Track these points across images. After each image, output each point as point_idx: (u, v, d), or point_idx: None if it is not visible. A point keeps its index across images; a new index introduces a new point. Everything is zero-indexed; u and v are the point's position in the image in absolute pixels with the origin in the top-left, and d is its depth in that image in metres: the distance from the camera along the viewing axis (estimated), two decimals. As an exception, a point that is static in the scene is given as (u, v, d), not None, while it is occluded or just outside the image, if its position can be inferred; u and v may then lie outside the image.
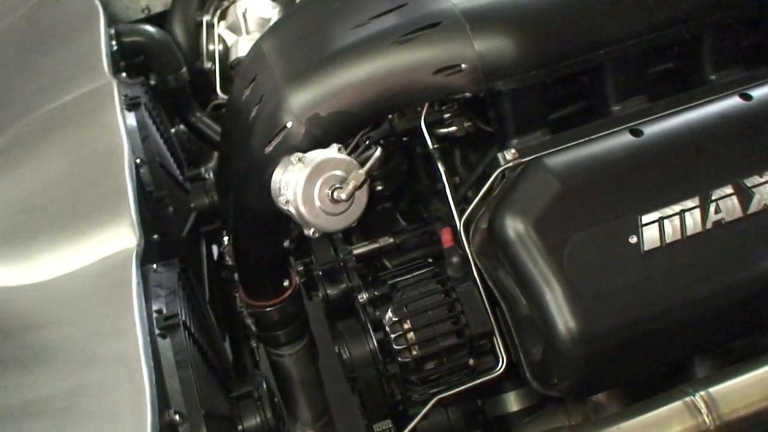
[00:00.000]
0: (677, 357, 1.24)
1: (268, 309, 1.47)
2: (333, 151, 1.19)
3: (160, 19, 2.02)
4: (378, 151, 1.21)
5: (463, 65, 1.22)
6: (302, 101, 1.24)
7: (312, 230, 1.19)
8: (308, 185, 1.16)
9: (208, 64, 1.94)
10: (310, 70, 1.26)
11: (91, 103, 1.44)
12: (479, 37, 1.22)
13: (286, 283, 1.47)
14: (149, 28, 1.83)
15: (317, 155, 1.18)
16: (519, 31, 1.24)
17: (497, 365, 1.27)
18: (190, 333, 1.21)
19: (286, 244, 1.46)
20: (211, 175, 1.72)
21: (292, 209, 1.18)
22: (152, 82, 1.81)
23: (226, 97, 1.93)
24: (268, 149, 1.25)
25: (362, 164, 1.19)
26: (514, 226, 1.17)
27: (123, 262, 1.17)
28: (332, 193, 1.16)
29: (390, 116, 1.41)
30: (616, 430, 1.10)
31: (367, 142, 1.38)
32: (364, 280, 1.32)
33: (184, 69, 1.83)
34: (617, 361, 1.17)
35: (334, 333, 1.44)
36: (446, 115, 1.42)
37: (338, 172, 1.17)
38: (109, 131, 1.36)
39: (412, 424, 1.26)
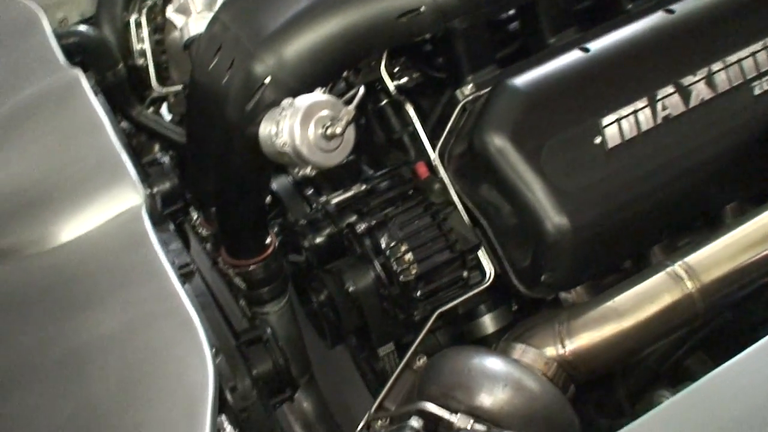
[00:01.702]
0: (649, 240, 1.39)
1: (252, 267, 1.54)
2: (319, 94, 1.28)
3: (79, 29, 2.06)
4: (362, 89, 1.31)
5: (422, 7, 1.35)
6: (276, 57, 1.33)
7: (309, 168, 1.28)
8: (303, 126, 1.25)
9: (140, 61, 1.99)
10: (281, 27, 1.35)
11: (58, 90, 1.47)
12: (436, -21, 1.35)
13: (267, 241, 1.54)
14: (83, 27, 1.86)
15: (306, 99, 1.27)
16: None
17: (485, 278, 1.39)
18: (204, 280, 1.27)
19: (267, 200, 1.54)
20: (167, 159, 1.77)
21: (289, 150, 1.26)
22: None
23: (162, 90, 1.99)
24: (248, 107, 1.33)
25: (347, 103, 1.29)
26: (493, 142, 1.29)
27: (133, 217, 1.22)
28: (326, 130, 1.25)
29: (345, 74, 1.52)
30: (612, 304, 1.23)
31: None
32: (357, 213, 1.41)
33: (121, 65, 1.88)
34: (600, 248, 1.31)
35: (314, 287, 1.52)
36: (395, 69, 1.54)
37: (327, 112, 1.26)
38: (87, 109, 1.40)
39: (418, 340, 1.36)
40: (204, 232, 1.66)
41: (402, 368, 1.36)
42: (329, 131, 1.25)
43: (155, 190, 1.74)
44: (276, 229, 1.60)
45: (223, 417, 1.02)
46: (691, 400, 0.92)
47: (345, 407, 1.86)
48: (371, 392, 1.62)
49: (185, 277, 1.24)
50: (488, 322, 1.54)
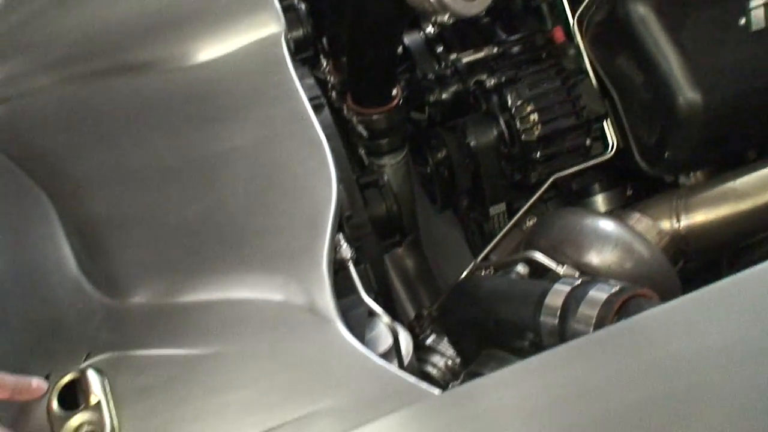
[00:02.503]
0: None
1: (376, 116, 1.57)
2: (466, -57, 1.28)
3: None
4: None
5: None
6: None
7: (447, 15, 1.28)
8: (447, -29, 1.25)
9: None
10: None
11: None
12: None
13: (394, 92, 1.57)
14: None
15: (453, -55, 1.27)
16: None
17: (607, 150, 1.40)
18: (333, 112, 1.31)
19: (399, 51, 1.55)
20: (303, 6, 1.79)
21: (431, -4, 1.27)
22: None
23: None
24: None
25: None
26: (637, 10, 1.28)
27: (274, 43, 1.26)
28: (468, -21, 1.25)
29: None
30: (732, 185, 1.23)
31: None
32: (488, 71, 1.42)
33: None
34: (728, 130, 1.29)
35: (432, 145, 1.55)
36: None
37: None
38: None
39: (531, 200, 1.38)
40: (332, 79, 1.69)
41: (512, 225, 1.39)
42: (471, -20, 1.25)
43: (289, 35, 1.78)
44: (403, 84, 1.62)
45: (341, 235, 1.07)
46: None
47: (445, 274, 1.91)
48: (475, 256, 1.65)
49: (315, 108, 1.28)
50: (600, 202, 1.55)
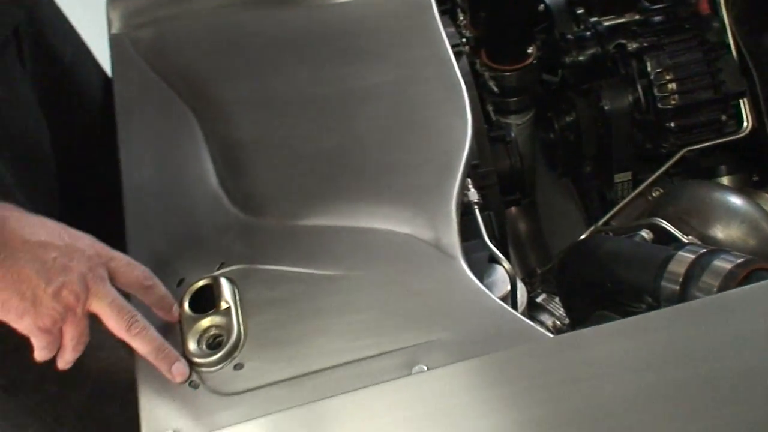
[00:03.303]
0: None
1: (508, 73, 1.59)
2: None
3: None
4: None
5: None
6: None
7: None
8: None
9: None
10: None
11: None
12: None
13: (529, 51, 1.58)
14: None
15: None
16: None
17: (742, 128, 1.38)
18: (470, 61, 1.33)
19: (541, 7, 1.56)
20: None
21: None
22: None
23: None
24: None
25: None
26: (789, -13, 1.26)
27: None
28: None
29: None
30: None
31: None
32: (629, 36, 1.41)
33: None
34: None
35: (561, 108, 1.56)
36: None
37: None
38: None
39: (661, 170, 1.38)
40: (467, 33, 1.71)
41: (637, 193, 1.39)
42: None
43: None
44: (538, 44, 1.62)
45: (469, 180, 1.09)
46: None
47: (555, 242, 1.91)
48: (590, 224, 1.65)
49: (456, 55, 1.31)
50: (725, 183, 1.53)
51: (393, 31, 1.23)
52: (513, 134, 1.48)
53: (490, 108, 1.66)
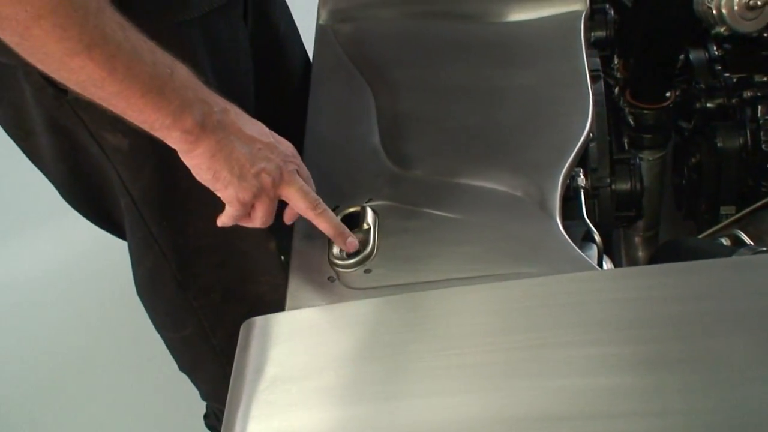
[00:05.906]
0: None
1: (646, 111, 1.80)
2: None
3: None
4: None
5: None
6: None
7: (724, 28, 1.51)
8: (732, -8, 1.47)
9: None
10: None
11: None
12: None
13: (668, 94, 1.79)
14: None
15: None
16: None
17: None
18: (611, 102, 1.56)
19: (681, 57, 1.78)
20: (612, 12, 2.05)
21: (713, 9, 1.50)
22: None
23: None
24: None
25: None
26: None
27: (573, 18, 1.53)
28: (749, 1, 1.47)
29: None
30: None
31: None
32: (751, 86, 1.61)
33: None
34: None
35: (689, 150, 1.75)
36: None
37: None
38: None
39: (760, 203, 1.56)
40: (618, 75, 1.93)
41: (734, 220, 1.57)
42: (751, 2, 1.46)
43: (592, 35, 2.04)
44: (678, 92, 1.83)
45: (581, 170, 1.33)
46: None
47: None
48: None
49: (593, 78, 1.54)
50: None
51: (543, 47, 1.48)
52: (638, 161, 1.69)
53: (625, 140, 1.87)
